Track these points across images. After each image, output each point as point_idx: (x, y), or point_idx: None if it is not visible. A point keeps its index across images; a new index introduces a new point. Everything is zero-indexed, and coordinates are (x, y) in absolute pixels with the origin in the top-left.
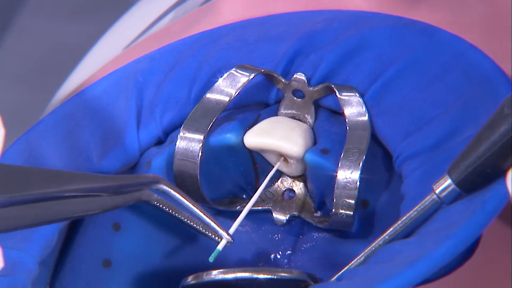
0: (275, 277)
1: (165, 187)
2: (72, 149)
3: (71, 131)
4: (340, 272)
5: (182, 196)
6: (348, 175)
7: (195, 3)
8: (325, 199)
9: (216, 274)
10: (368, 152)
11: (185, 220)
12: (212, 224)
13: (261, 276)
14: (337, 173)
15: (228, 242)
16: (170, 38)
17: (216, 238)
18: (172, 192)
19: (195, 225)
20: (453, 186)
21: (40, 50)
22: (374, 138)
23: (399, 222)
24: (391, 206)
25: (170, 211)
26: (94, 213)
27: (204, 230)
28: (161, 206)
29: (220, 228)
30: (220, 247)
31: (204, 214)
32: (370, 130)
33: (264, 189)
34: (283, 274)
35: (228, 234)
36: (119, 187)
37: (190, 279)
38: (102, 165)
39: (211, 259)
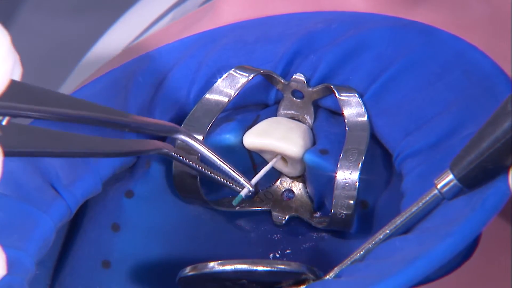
0: (274, 269)
1: (184, 137)
2: None
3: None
4: (339, 267)
5: (202, 146)
6: (347, 175)
7: (194, 4)
8: (324, 200)
9: (214, 266)
10: (367, 153)
11: (206, 171)
12: (233, 173)
13: (260, 268)
14: (336, 173)
15: (249, 191)
16: (170, 38)
17: (238, 188)
18: (191, 141)
19: (215, 176)
20: (455, 181)
21: (40, 48)
22: (374, 138)
23: (400, 216)
24: (390, 207)
25: (190, 162)
26: (115, 154)
27: (224, 181)
28: (181, 157)
29: (241, 177)
30: (243, 193)
31: (224, 163)
32: (369, 130)
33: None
34: (282, 266)
35: (249, 183)
36: (139, 125)
37: (188, 270)
38: (100, 164)
39: (234, 202)
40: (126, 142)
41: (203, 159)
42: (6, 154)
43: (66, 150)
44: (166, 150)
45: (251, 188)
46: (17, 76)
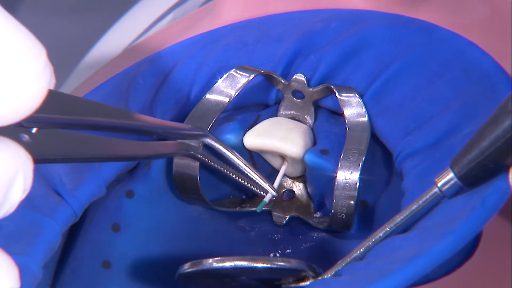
0: (274, 266)
1: (211, 141)
2: None
3: None
4: (338, 264)
5: (228, 151)
6: (347, 175)
7: (194, 4)
8: (325, 200)
9: (213, 262)
10: (368, 153)
11: (230, 174)
12: (258, 178)
13: (259, 264)
14: (336, 173)
15: (273, 196)
16: (170, 39)
17: (261, 192)
18: (218, 146)
19: (240, 180)
20: (455, 179)
21: None
22: (374, 138)
23: (400, 214)
24: (390, 207)
25: (216, 165)
26: (143, 157)
27: (249, 185)
28: (207, 160)
29: (265, 182)
30: (266, 199)
31: (249, 168)
32: (370, 130)
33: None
34: (281, 263)
35: (273, 189)
36: (167, 131)
37: (187, 267)
38: (103, 167)
39: (258, 209)
40: (152, 145)
41: (230, 162)
42: (37, 162)
43: (94, 155)
44: (192, 152)
45: (274, 193)
46: (51, 86)
